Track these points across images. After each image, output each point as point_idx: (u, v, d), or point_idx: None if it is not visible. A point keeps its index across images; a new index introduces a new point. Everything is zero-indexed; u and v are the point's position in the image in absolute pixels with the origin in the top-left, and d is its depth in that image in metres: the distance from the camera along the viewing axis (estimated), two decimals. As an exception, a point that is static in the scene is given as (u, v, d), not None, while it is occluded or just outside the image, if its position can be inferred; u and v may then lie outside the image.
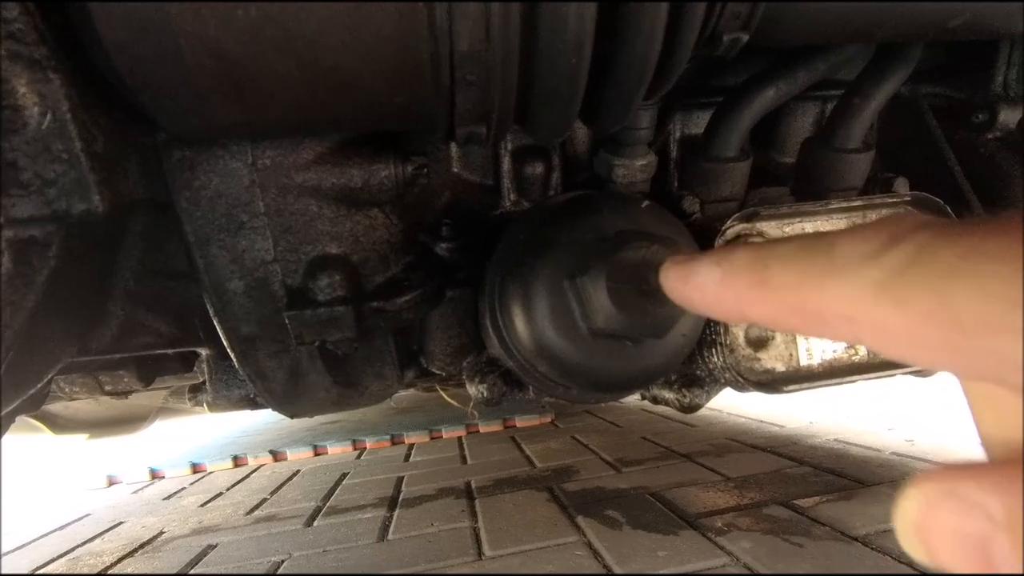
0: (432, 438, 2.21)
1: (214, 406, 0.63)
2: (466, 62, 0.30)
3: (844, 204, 0.53)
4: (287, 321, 0.46)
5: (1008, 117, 0.58)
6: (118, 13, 0.26)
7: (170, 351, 0.56)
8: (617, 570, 0.96)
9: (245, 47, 0.28)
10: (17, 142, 0.28)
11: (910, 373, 0.57)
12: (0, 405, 0.34)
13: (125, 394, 0.66)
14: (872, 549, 0.95)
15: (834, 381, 0.54)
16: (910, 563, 0.89)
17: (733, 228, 0.52)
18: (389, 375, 0.59)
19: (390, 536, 1.23)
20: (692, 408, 0.56)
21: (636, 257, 0.38)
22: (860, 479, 1.27)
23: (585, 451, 1.77)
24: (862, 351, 0.54)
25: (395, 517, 1.34)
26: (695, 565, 0.96)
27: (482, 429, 2.25)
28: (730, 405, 2.35)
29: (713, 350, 0.52)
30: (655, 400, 0.61)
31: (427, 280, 0.52)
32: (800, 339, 0.53)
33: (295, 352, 0.51)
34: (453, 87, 0.31)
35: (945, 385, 2.33)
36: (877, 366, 0.55)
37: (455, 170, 0.57)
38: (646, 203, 0.48)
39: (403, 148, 0.47)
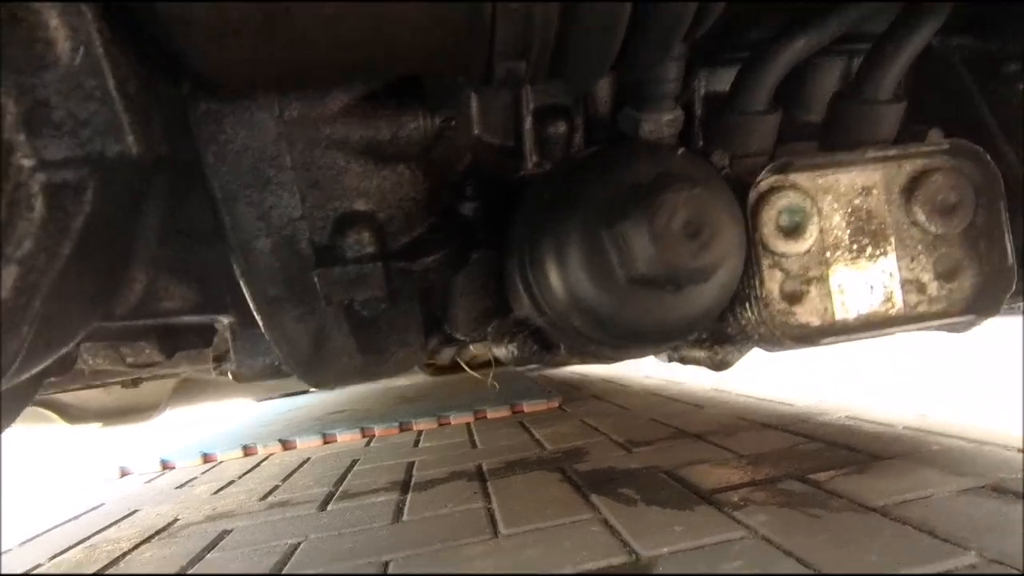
0: (440, 424, 2.20)
1: (238, 375, 0.62)
2: None
3: (880, 153, 0.52)
4: (316, 279, 0.44)
5: None
6: None
7: (194, 318, 0.55)
8: (635, 545, 0.96)
9: None
10: (49, 79, 0.26)
11: (943, 328, 0.56)
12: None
13: (146, 367, 0.65)
14: (891, 519, 0.94)
15: (870, 334, 0.53)
16: (931, 532, 0.89)
17: (766, 180, 0.51)
18: (413, 341, 0.57)
19: (405, 518, 1.23)
20: (724, 365, 0.55)
21: (678, 198, 0.37)
22: (873, 453, 1.26)
23: (595, 433, 1.77)
24: (898, 304, 0.54)
25: (408, 500, 1.34)
26: (712, 538, 0.95)
27: (490, 415, 2.24)
28: (737, 386, 2.34)
29: (747, 304, 0.51)
30: (684, 360, 0.60)
31: (451, 241, 0.51)
32: (836, 292, 0.52)
33: (321, 316, 0.50)
34: (495, 17, 0.30)
35: (955, 357, 2.33)
36: (913, 318, 0.54)
37: (476, 132, 0.56)
38: (680, 150, 0.46)
39: (429, 101, 0.45)
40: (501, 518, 1.15)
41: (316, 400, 3.47)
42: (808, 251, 0.53)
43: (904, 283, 0.54)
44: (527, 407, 2.27)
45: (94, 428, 1.32)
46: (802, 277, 0.52)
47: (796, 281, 0.52)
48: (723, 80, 0.63)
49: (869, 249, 0.54)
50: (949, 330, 0.57)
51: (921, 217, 0.55)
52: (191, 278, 0.52)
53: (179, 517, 1.45)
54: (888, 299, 0.54)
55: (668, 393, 2.39)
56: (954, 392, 1.77)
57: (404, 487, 1.46)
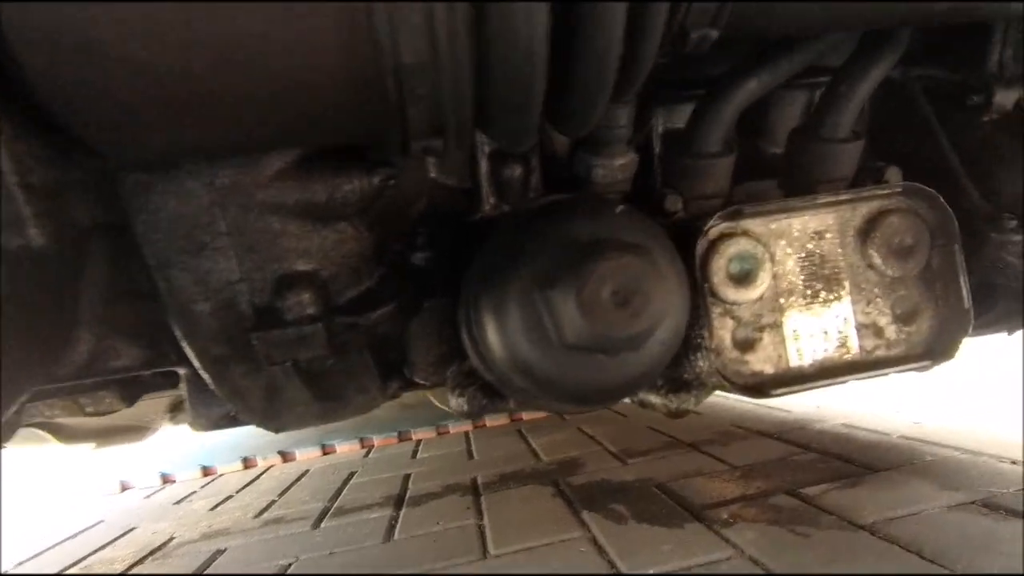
0: (439, 433, 2.21)
1: (196, 424, 0.62)
2: (413, 75, 0.28)
3: (832, 198, 0.51)
4: (254, 342, 0.44)
5: (1004, 99, 0.55)
6: (36, 36, 0.24)
7: (146, 372, 0.55)
8: (621, 566, 0.96)
9: (178, 66, 0.26)
10: None
11: (906, 369, 0.55)
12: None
13: (108, 414, 0.66)
14: (879, 538, 0.93)
15: (826, 382, 0.52)
16: (919, 551, 0.88)
17: (716, 227, 0.50)
18: (371, 387, 0.57)
19: (396, 536, 1.23)
20: (680, 414, 0.54)
21: (608, 268, 0.37)
22: (868, 464, 1.25)
23: (591, 443, 1.76)
24: (854, 349, 0.52)
25: (401, 516, 1.34)
26: (700, 559, 0.94)
27: (489, 423, 2.24)
28: (737, 390, 2.33)
29: (699, 354, 0.50)
30: (643, 404, 0.59)
31: (402, 291, 0.50)
32: (790, 339, 0.51)
33: (270, 371, 0.50)
34: (403, 102, 0.29)
35: (954, 364, 2.30)
36: (870, 364, 0.53)
37: (432, 175, 0.55)
38: (620, 207, 0.46)
39: (369, 158, 0.45)
40: (491, 537, 1.15)
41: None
42: (760, 298, 0.51)
43: (860, 327, 0.53)
44: (526, 415, 2.26)
45: (87, 448, 1.34)
46: (754, 324, 0.51)
47: (748, 328, 0.51)
48: (682, 116, 0.62)
49: (823, 294, 0.53)
50: (912, 371, 0.56)
51: (877, 260, 0.54)
52: (140, 336, 0.52)
53: (175, 535, 1.46)
54: (843, 344, 0.53)
55: (668, 397, 2.38)
56: (951, 400, 1.75)
57: (399, 502, 1.46)
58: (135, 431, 1.30)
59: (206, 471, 2.05)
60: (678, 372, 0.54)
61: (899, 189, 0.53)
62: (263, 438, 2.62)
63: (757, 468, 1.32)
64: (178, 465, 2.11)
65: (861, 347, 0.53)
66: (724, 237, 0.51)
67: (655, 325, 0.39)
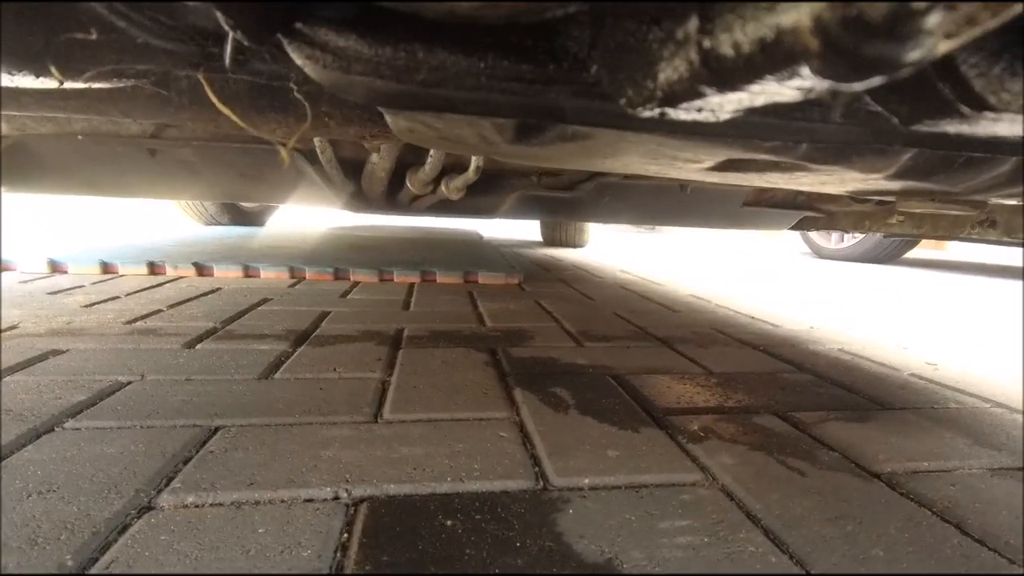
0: (382, 280, 1.87)
1: None
2: None
3: None
4: None
5: None
6: None
7: None
8: (547, 466, 0.66)
9: None
10: None
11: None
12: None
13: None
14: (903, 495, 0.64)
15: None
16: (960, 523, 0.59)
17: None
18: None
19: (277, 375, 0.91)
20: None
21: None
22: (876, 399, 0.96)
23: (546, 317, 1.45)
24: None
25: (296, 354, 1.02)
26: (655, 476, 0.65)
27: (439, 279, 1.91)
28: (717, 296, 2.03)
29: None
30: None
31: None
32: None
33: None
34: None
35: (968, 304, 2.01)
36: None
37: None
38: None
39: None
40: (393, 397, 0.84)
41: (261, 233, 3.11)
42: None
43: None
44: (482, 278, 1.94)
45: None
46: None
47: None
48: None
49: None
50: None
51: None
52: None
53: (20, 325, 1.13)
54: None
55: (641, 290, 2.07)
56: (966, 341, 1.46)
57: (301, 339, 1.14)
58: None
59: (106, 267, 1.70)
60: None
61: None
62: (185, 248, 2.25)
63: (739, 379, 1.02)
64: (74, 256, 1.75)
65: None
66: None
67: None
